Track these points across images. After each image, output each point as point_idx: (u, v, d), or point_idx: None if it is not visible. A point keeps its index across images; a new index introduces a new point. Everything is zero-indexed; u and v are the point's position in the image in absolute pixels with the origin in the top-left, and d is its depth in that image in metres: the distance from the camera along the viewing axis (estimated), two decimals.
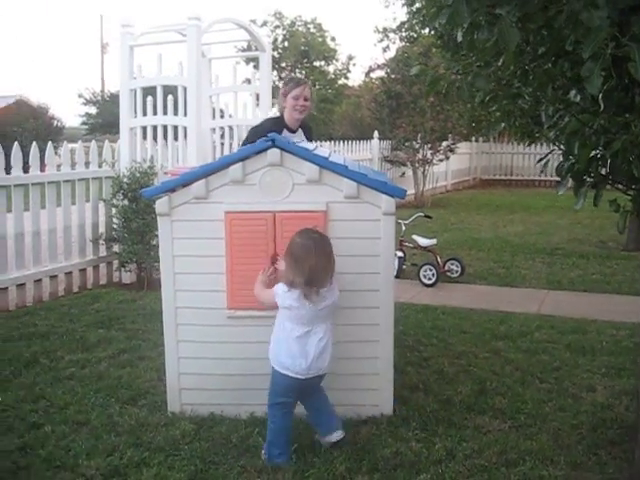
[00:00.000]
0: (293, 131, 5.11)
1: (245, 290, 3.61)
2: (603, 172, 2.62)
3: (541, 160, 2.95)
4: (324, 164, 3.54)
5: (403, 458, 3.25)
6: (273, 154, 3.53)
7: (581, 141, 2.37)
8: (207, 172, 3.60)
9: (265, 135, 4.48)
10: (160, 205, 3.64)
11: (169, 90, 7.38)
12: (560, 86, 2.46)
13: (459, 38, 2.17)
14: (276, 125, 5.07)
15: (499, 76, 2.63)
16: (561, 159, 2.78)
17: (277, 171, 3.56)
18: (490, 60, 2.41)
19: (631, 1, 1.83)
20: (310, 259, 3.10)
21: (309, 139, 5.24)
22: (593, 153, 2.52)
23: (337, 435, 3.36)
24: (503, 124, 2.88)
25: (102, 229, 7.21)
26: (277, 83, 34.90)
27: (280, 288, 3.22)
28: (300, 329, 3.19)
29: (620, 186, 2.68)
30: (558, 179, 2.85)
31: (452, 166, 18.81)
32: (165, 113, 7.39)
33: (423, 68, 2.36)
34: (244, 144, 5.06)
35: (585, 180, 2.69)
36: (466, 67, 2.36)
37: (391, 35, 28.58)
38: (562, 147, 2.62)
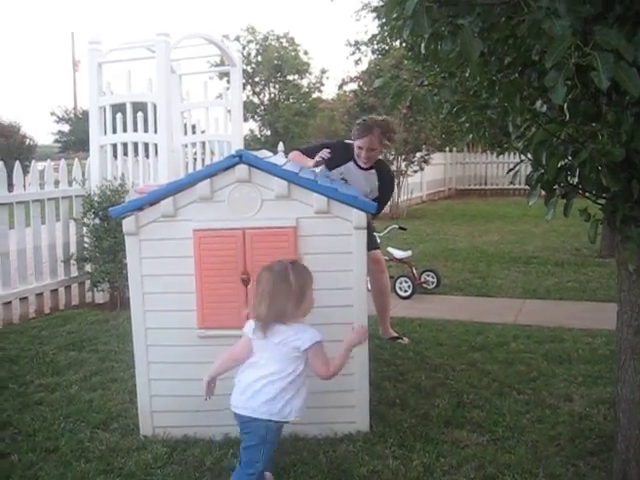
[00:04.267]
0: (363, 168, 5.13)
1: (216, 309, 3.55)
2: (573, 182, 2.60)
3: (511, 170, 2.93)
4: (293, 179, 3.50)
5: (380, 476, 3.20)
6: (241, 170, 3.47)
7: (549, 151, 2.35)
8: (175, 189, 3.54)
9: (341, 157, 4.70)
10: (127, 224, 3.57)
11: (139, 107, 7.30)
12: (527, 96, 2.44)
13: (422, 49, 2.14)
14: (346, 152, 5.13)
15: (467, 87, 2.61)
16: (531, 169, 2.77)
17: (245, 187, 3.50)
18: (454, 71, 2.39)
19: (593, 10, 1.82)
20: (259, 288, 2.87)
21: (381, 184, 5.23)
22: (562, 163, 2.50)
23: None
24: (471, 135, 2.86)
25: (73, 249, 7.09)
26: (251, 98, 34.98)
27: None
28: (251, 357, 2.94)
29: (590, 195, 2.66)
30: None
31: (427, 177, 18.88)
32: (135, 130, 7.31)
33: (386, 80, 2.32)
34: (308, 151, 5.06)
35: (555, 190, 2.67)
36: (431, 78, 2.34)
37: (363, 48, 28.67)
38: (530, 157, 2.60)
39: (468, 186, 21.78)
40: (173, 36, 7.07)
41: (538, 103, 2.43)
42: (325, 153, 4.80)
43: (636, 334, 2.88)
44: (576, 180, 2.52)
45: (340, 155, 5.09)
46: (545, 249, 9.95)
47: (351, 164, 5.14)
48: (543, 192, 2.71)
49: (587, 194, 2.66)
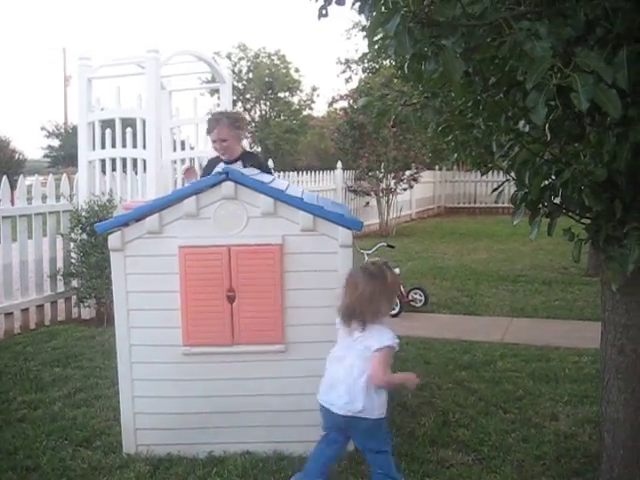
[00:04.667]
0: (229, 162, 5.12)
1: (201, 326, 3.54)
2: (557, 201, 2.61)
3: (495, 190, 2.94)
4: (279, 197, 3.50)
5: None
6: (227, 187, 3.47)
7: (532, 171, 2.36)
8: (161, 206, 3.53)
9: (210, 164, 4.51)
10: (113, 240, 3.55)
11: (128, 123, 7.31)
12: (511, 116, 2.45)
13: (405, 69, 2.16)
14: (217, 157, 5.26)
15: (452, 106, 2.62)
16: (515, 188, 2.78)
17: (231, 204, 3.50)
18: (437, 91, 2.41)
19: (574, 32, 1.84)
20: (354, 289, 3.01)
21: (254, 166, 5.19)
22: (545, 182, 2.52)
23: None
24: (456, 154, 2.88)
25: (60, 264, 7.05)
26: (242, 114, 35.07)
27: None
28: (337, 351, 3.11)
29: (573, 215, 2.67)
30: None
31: (416, 195, 18.94)
32: (124, 146, 7.31)
33: (370, 100, 2.33)
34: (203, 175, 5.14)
35: (539, 209, 2.68)
36: (415, 97, 2.35)
37: (353, 66, 28.87)
38: (514, 177, 2.61)
39: (457, 204, 21.85)
40: (164, 53, 7.10)
41: (521, 123, 2.44)
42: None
43: (620, 353, 2.89)
44: (559, 200, 2.53)
45: (217, 160, 5.28)
46: (533, 268, 9.97)
47: (222, 163, 5.19)
48: (528, 211, 2.73)
49: (571, 214, 2.67)
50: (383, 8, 1.91)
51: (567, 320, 6.78)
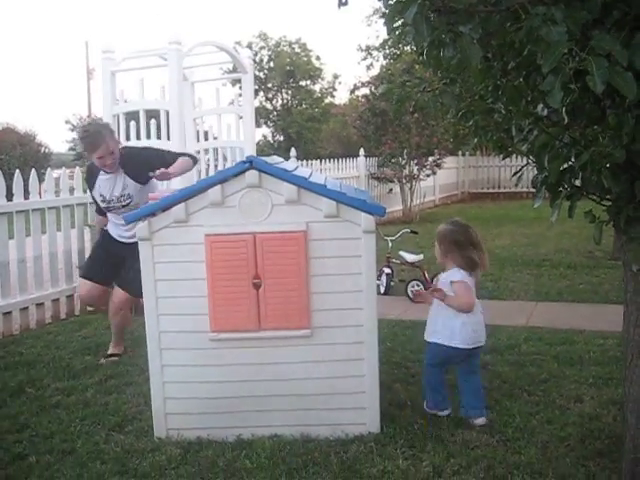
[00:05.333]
0: (111, 172, 5.13)
1: (228, 313, 3.61)
2: (577, 184, 2.63)
3: (516, 174, 2.97)
4: (302, 184, 3.55)
5: (390, 476, 3.24)
6: (251, 175, 3.53)
7: (551, 154, 2.39)
8: (186, 195, 3.60)
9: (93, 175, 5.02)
10: (140, 230, 3.64)
11: (152, 114, 7.40)
12: (531, 100, 2.48)
13: (424, 56, 2.19)
14: (92, 171, 5.24)
15: (473, 91, 2.65)
16: (536, 172, 2.81)
17: (256, 192, 3.56)
18: (455, 77, 2.44)
19: (590, 16, 1.86)
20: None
21: (132, 170, 5.12)
22: (565, 165, 2.54)
23: (479, 421, 3.82)
24: (476, 139, 2.90)
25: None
26: (264, 103, 35.14)
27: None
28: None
29: (594, 197, 2.69)
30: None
31: (440, 181, 18.89)
32: (149, 137, 7.41)
33: (390, 87, 2.37)
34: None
35: (560, 192, 2.70)
36: (434, 84, 2.39)
37: (374, 53, 28.78)
38: (534, 160, 2.64)
39: (481, 189, 21.74)
40: (185, 44, 7.18)
41: (540, 107, 2.46)
42: None
43: None
44: (580, 182, 2.55)
45: (92, 177, 5.24)
46: (558, 252, 9.93)
47: (102, 177, 5.17)
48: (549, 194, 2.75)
49: (591, 196, 2.69)
50: None
51: (592, 304, 6.76)
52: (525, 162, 3.00)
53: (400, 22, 2.27)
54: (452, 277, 3.85)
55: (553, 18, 1.75)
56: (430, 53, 2.16)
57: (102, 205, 5.28)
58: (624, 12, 1.96)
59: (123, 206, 5.12)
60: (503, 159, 3.18)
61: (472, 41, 1.89)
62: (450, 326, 3.81)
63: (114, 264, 5.26)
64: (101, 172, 5.16)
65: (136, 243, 3.69)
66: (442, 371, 4.03)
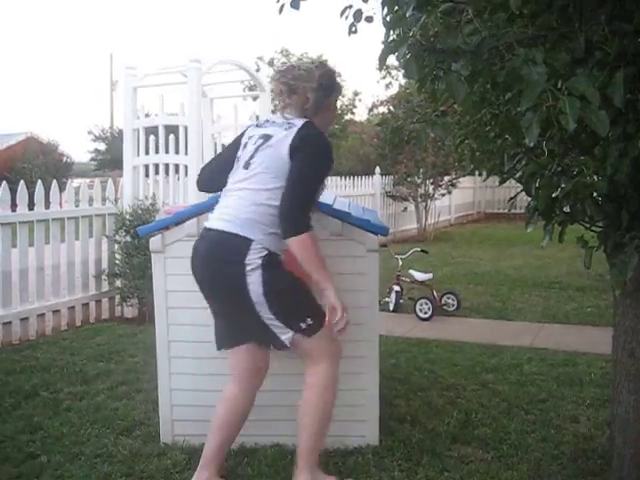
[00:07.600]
0: None
1: None
2: (567, 210, 2.76)
3: (511, 199, 3.10)
4: None
5: None
6: None
7: (541, 182, 2.52)
8: (199, 211, 3.76)
9: None
10: (154, 243, 3.80)
11: (171, 129, 7.60)
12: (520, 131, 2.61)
13: (415, 90, 2.34)
14: None
15: (467, 121, 2.80)
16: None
17: None
18: (445, 110, 2.58)
19: (568, 58, 1.99)
20: None
21: None
22: (556, 193, 2.67)
23: None
24: (472, 165, 3.05)
25: (105, 264, 7.38)
26: None
27: None
28: None
29: (584, 223, 2.82)
30: None
31: (455, 200, 18.97)
32: (167, 152, 7.60)
33: (384, 118, 2.52)
34: None
35: (552, 217, 2.83)
36: (426, 116, 2.53)
37: (393, 72, 28.91)
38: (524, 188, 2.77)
39: (497, 210, 21.75)
40: (206, 62, 7.38)
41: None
42: None
43: (630, 357, 3.02)
44: (569, 209, 2.68)
45: None
46: (568, 274, 9.99)
47: None
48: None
49: (581, 222, 2.82)
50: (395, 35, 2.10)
51: (598, 326, 6.82)
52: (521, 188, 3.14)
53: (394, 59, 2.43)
54: None
55: (534, 59, 1.89)
56: (422, 87, 2.31)
57: None
58: (606, 52, 2.09)
59: None
60: (499, 185, 3.32)
61: (459, 78, 2.03)
62: None
63: None
64: None
65: None
66: None
